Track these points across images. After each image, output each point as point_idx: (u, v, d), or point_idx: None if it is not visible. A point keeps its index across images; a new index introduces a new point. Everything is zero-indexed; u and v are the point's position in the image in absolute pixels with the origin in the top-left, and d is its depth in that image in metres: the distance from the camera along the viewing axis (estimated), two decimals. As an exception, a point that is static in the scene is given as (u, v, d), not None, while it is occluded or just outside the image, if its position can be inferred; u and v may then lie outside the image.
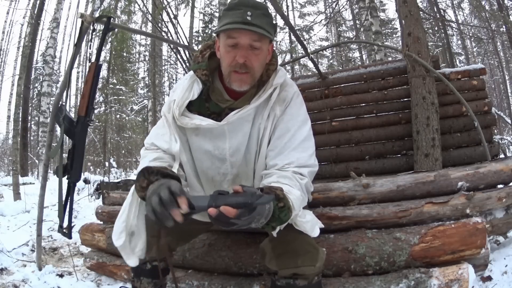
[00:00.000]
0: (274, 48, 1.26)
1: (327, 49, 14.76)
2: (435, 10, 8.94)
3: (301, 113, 1.24)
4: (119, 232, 1.17)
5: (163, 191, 0.90)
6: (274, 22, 1.16)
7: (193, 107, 1.23)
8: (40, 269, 2.25)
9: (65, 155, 2.02)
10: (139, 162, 1.24)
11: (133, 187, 1.15)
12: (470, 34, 11.61)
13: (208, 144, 1.24)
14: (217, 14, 12.90)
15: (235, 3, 1.10)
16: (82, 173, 5.33)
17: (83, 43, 2.28)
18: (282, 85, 1.24)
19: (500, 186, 1.75)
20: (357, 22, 12.10)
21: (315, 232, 1.14)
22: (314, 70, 5.13)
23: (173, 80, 18.72)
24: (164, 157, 1.18)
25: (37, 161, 11.28)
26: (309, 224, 1.12)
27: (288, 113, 1.22)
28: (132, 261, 1.17)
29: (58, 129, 2.43)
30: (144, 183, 1.03)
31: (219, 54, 1.19)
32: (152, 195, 0.92)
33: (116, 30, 3.63)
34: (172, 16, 5.01)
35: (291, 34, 9.40)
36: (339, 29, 16.05)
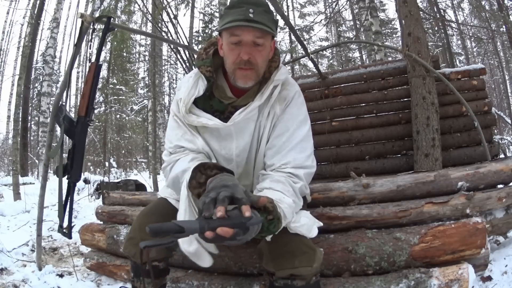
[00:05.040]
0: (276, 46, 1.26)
1: (327, 49, 14.77)
2: (435, 10, 8.94)
3: (301, 113, 1.23)
4: (189, 238, 1.04)
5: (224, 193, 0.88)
6: (275, 18, 1.17)
7: (198, 104, 1.23)
8: (40, 269, 2.25)
9: (65, 155, 2.02)
10: (167, 170, 1.19)
11: (184, 187, 1.08)
12: (470, 34, 11.62)
13: (214, 143, 1.24)
14: (217, 14, 12.88)
15: (237, 1, 1.11)
16: (82, 173, 5.33)
17: (83, 43, 2.28)
18: (284, 83, 1.24)
19: (500, 186, 1.75)
20: (357, 22, 12.08)
21: (312, 233, 1.14)
22: (314, 70, 5.13)
23: (173, 80, 18.71)
24: (198, 156, 1.18)
25: (37, 161, 11.27)
26: (305, 227, 1.12)
27: (288, 112, 1.21)
28: (207, 261, 1.09)
29: (58, 129, 2.44)
30: (202, 179, 1.04)
31: (222, 52, 1.19)
32: (213, 190, 0.91)
33: (116, 30, 3.63)
34: (172, 16, 5.01)
35: (291, 34, 9.40)
36: (339, 29, 16.03)
